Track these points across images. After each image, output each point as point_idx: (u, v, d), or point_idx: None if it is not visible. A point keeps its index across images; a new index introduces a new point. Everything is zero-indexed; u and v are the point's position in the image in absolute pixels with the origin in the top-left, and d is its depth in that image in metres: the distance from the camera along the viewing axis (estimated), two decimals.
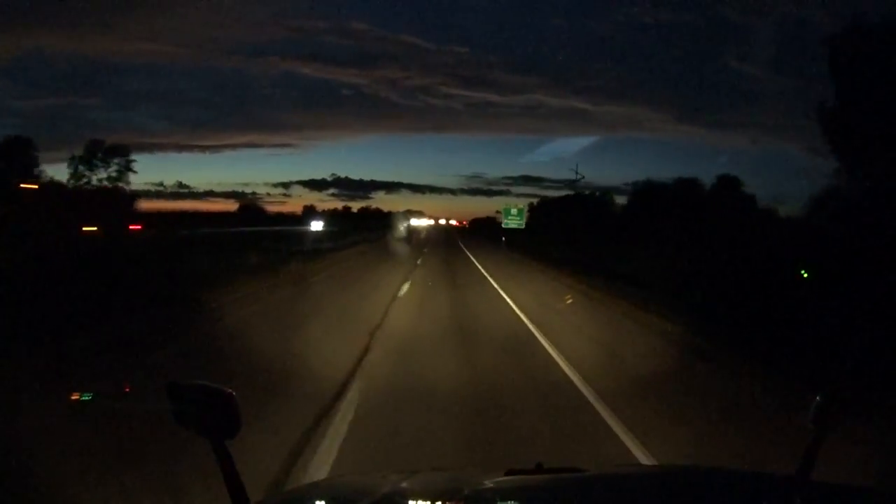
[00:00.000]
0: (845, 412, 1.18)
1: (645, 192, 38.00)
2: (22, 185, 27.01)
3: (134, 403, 3.87)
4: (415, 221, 70.92)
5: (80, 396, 3.93)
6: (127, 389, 4.26)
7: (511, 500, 1.16)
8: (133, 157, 35.95)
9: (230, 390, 1.07)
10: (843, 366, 5.50)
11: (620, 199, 44.39)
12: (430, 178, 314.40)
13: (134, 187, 36.92)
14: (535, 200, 63.29)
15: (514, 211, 30.12)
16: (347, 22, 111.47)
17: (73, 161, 36.42)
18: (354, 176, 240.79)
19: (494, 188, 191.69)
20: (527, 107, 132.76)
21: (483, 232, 68.58)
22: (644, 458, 3.45)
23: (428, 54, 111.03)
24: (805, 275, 10.90)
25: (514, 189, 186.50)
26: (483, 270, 17.44)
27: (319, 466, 3.19)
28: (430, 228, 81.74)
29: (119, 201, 33.78)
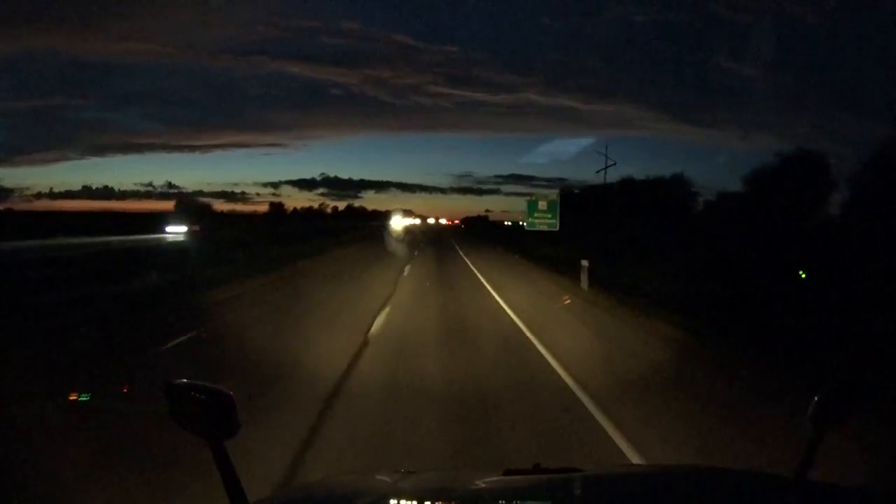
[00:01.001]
0: (845, 411, 1.17)
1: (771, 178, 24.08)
2: None
3: (131, 404, 3.86)
4: (396, 220, 55.09)
5: (79, 397, 3.93)
6: (125, 390, 4.25)
7: (509, 500, 1.16)
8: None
9: (228, 390, 1.05)
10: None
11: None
12: (419, 177, 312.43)
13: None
14: (555, 194, 54.64)
15: (542, 206, 20.15)
16: (337, 21, 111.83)
17: None
18: (344, 175, 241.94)
19: (484, 187, 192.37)
20: (517, 106, 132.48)
21: (482, 233, 57.84)
22: None
23: (418, 53, 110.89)
24: (803, 275, 10.77)
25: (505, 188, 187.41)
26: None
27: None
28: (416, 229, 65.03)
29: None
